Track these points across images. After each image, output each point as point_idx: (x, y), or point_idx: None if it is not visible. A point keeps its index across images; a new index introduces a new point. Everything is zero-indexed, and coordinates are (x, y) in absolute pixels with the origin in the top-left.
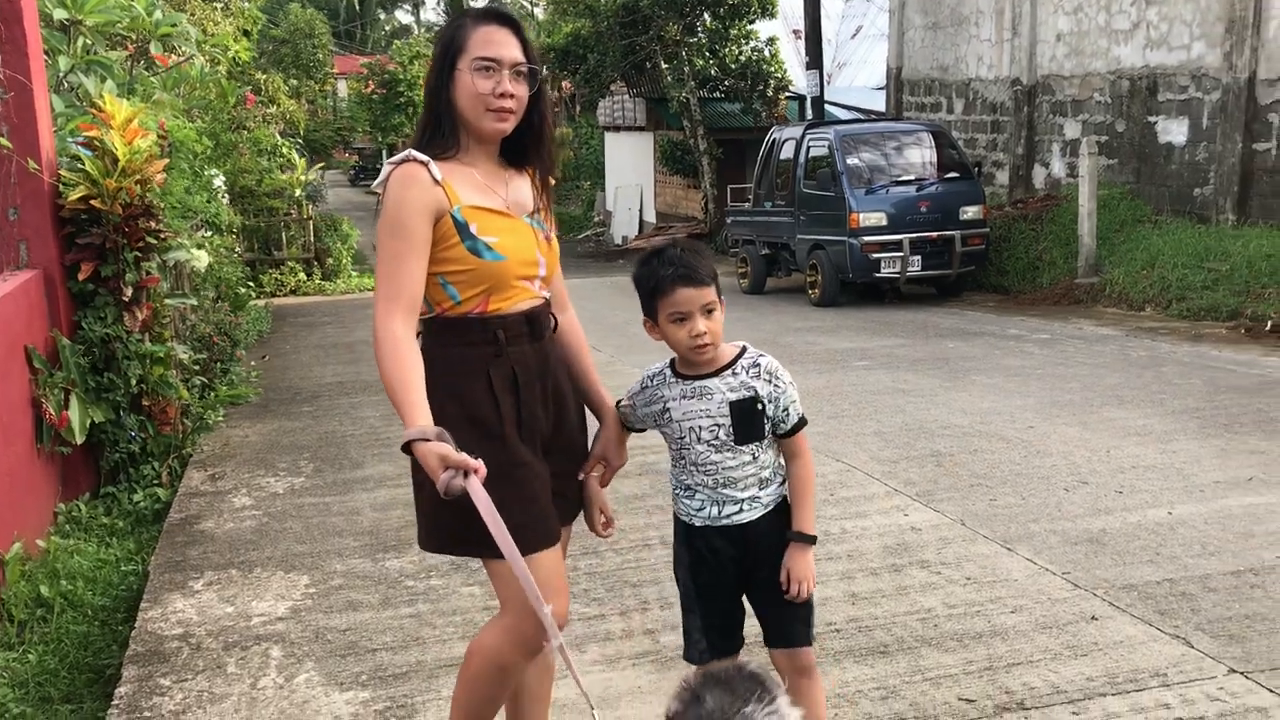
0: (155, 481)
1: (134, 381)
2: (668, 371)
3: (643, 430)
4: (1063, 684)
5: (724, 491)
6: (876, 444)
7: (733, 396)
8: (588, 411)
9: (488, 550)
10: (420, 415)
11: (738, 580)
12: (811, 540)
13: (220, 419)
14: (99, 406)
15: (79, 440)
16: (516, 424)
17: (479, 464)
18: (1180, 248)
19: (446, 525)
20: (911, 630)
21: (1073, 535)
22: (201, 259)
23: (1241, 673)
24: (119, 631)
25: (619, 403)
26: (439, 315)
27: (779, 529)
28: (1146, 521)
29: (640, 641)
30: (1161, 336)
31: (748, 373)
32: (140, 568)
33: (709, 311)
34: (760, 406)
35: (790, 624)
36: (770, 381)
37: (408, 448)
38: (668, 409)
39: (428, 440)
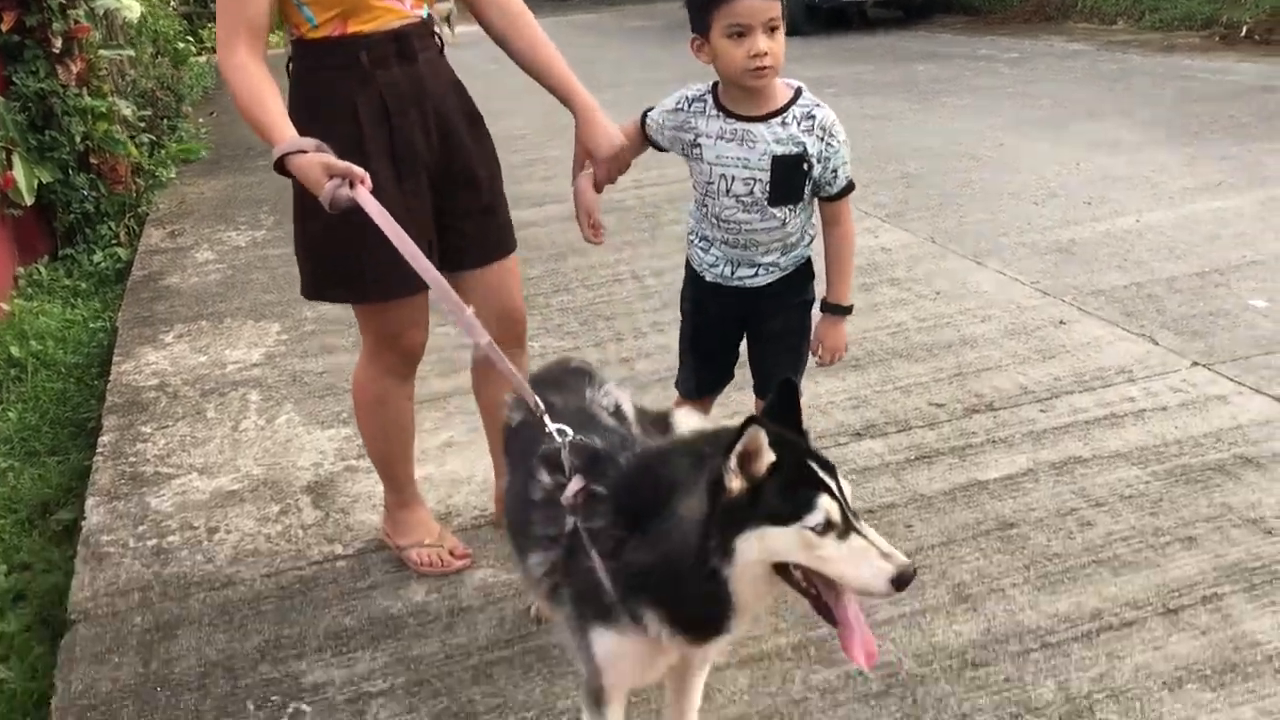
0: (114, 241)
1: (78, 139)
2: (709, 99)
3: (665, 150)
4: (1031, 385)
5: (743, 253)
6: None
7: (778, 150)
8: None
9: (366, 295)
10: (287, 128)
11: (738, 335)
12: (847, 311)
13: (173, 176)
14: (45, 166)
15: (28, 201)
16: (391, 157)
17: (364, 172)
18: None
19: (326, 266)
20: (882, 344)
21: (1042, 246)
22: (133, 8)
23: (1204, 365)
24: (94, 386)
25: (647, 111)
26: (299, 39)
27: (792, 288)
28: (1115, 230)
29: (616, 370)
30: (1134, 49)
31: (799, 124)
32: (108, 325)
33: (773, 29)
34: (806, 166)
35: (774, 376)
36: (824, 139)
37: (281, 166)
38: (699, 144)
39: (305, 152)
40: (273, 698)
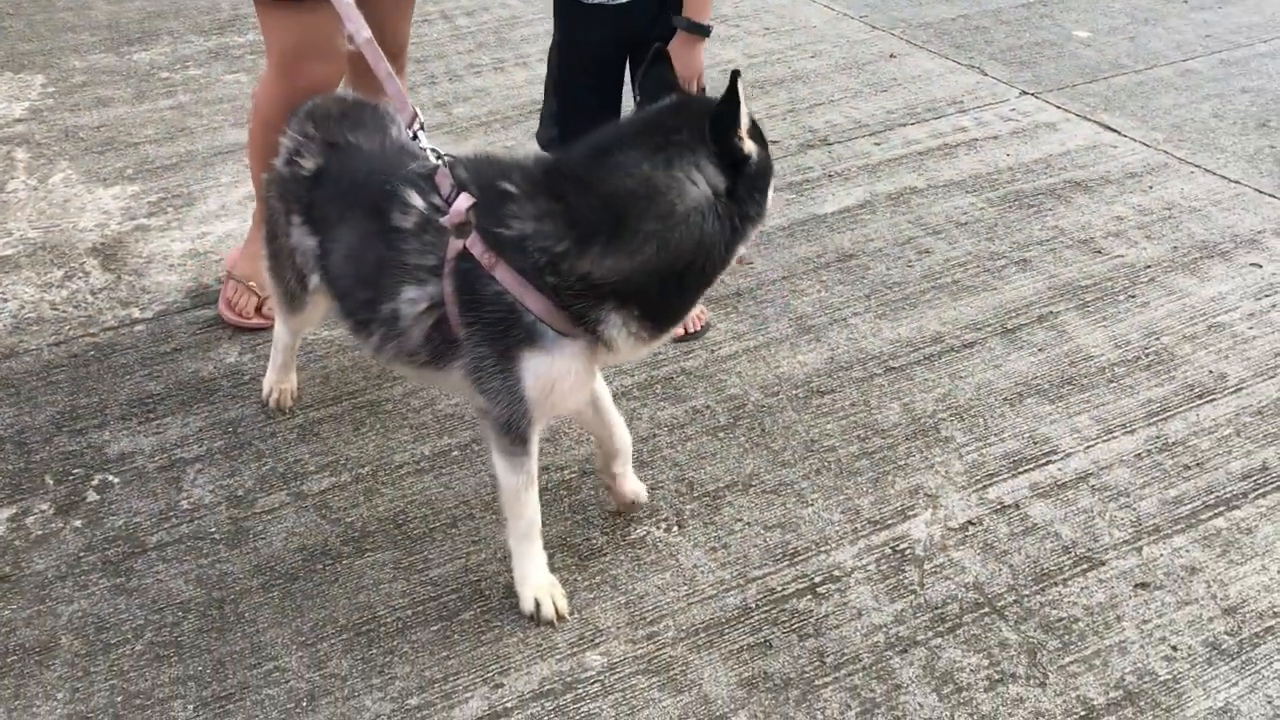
0: None
1: None
2: None
3: None
4: (864, 118)
5: None
6: None
7: None
8: None
9: None
10: None
11: (617, 71)
12: (707, 31)
13: None
14: None
15: None
16: None
17: None
18: None
19: None
20: (712, 80)
21: None
22: None
23: (1032, 94)
24: None
25: None
26: None
27: (668, 6)
28: None
29: (432, 115)
30: None
31: None
32: None
33: None
34: None
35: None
36: None
37: None
38: None
39: None
40: (74, 470)
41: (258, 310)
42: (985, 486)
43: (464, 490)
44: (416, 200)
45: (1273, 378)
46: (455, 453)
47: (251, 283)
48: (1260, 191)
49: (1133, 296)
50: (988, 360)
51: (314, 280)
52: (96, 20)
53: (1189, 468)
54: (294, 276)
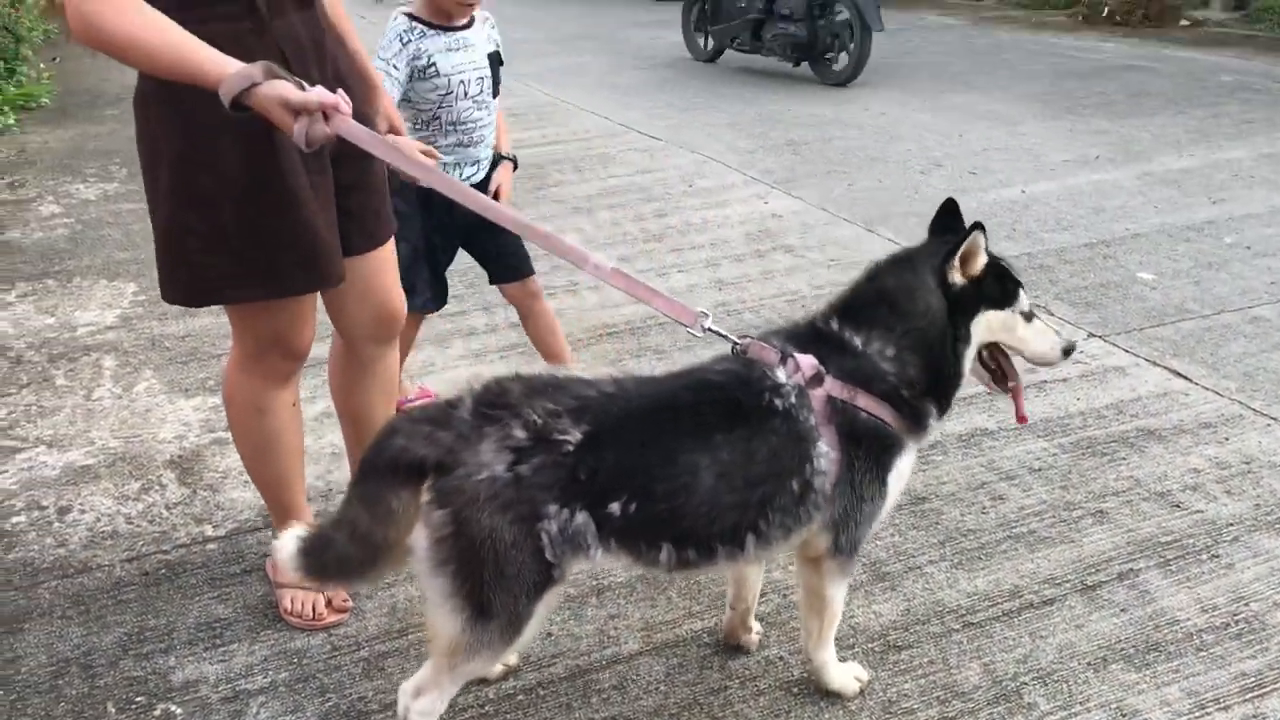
0: None
1: None
2: (419, 25)
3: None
4: None
5: (470, 151)
6: (731, 134)
7: (489, 48)
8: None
9: (285, 288)
10: (222, 60)
11: (460, 239)
12: (514, 160)
13: (12, 124)
14: None
15: None
16: None
17: (337, 97)
18: None
19: (235, 260)
20: (779, 311)
21: (931, 215)
22: None
23: (1100, 336)
24: None
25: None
26: None
27: (488, 175)
28: (1001, 200)
29: (506, 335)
30: (1003, 25)
31: (486, 24)
32: None
33: None
34: (502, 60)
35: (516, 257)
36: (497, 32)
37: (239, 104)
38: (434, 63)
39: (257, 84)
40: (137, 698)
41: (329, 604)
42: None
43: None
44: (780, 375)
45: None
46: (520, 696)
47: (307, 583)
48: None
49: (1216, 556)
50: (1069, 619)
51: (574, 560)
52: None
53: None
54: (523, 594)
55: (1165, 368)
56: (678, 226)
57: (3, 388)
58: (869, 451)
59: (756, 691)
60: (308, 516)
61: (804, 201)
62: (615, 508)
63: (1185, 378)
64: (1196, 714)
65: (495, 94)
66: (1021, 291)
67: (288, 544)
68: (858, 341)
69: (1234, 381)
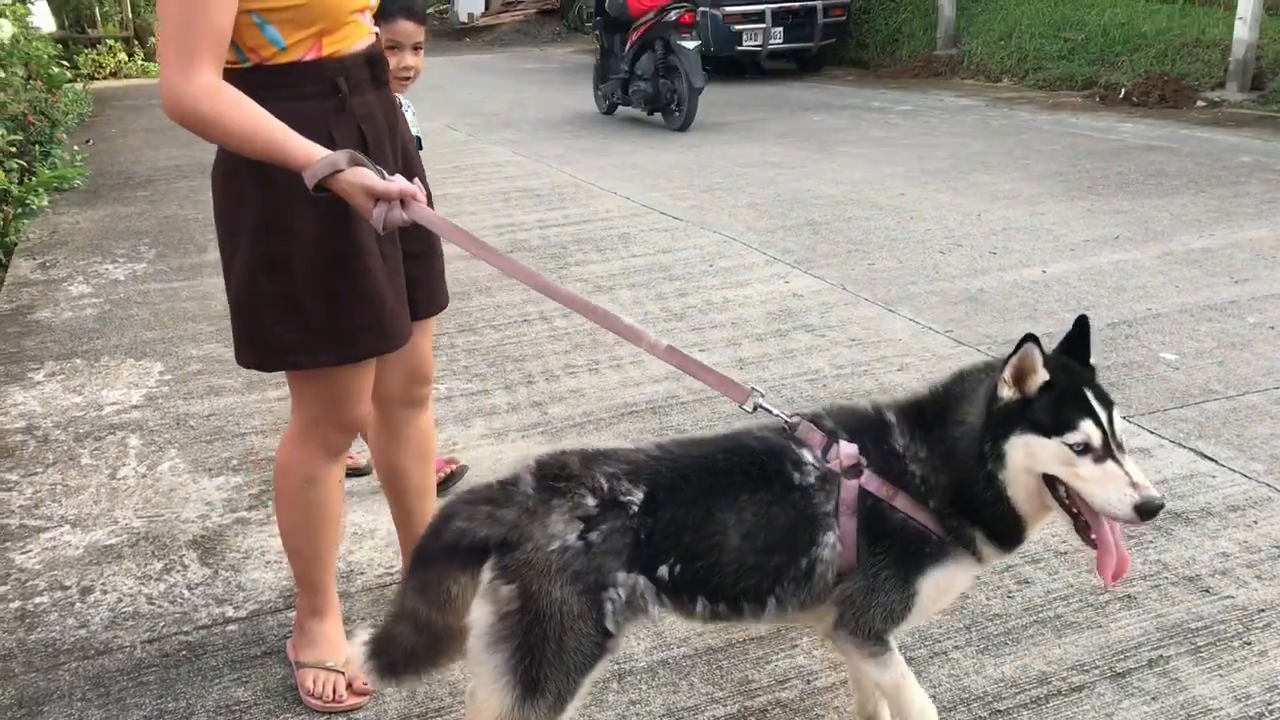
0: None
1: None
2: None
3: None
4: None
5: None
6: (751, 215)
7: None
8: None
9: (357, 352)
10: (309, 146)
11: None
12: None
13: (45, 205)
14: None
15: None
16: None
17: (415, 188)
18: (1037, 18)
19: (307, 326)
20: (801, 390)
21: (952, 295)
22: (4, 28)
23: (1124, 418)
24: None
25: None
26: (258, 65)
27: None
28: (1022, 280)
29: (528, 414)
30: (1020, 106)
31: (408, 111)
32: None
33: (417, 49)
34: (422, 146)
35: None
36: (417, 120)
37: (321, 187)
38: None
39: (341, 170)
40: None
41: (349, 688)
42: None
43: None
44: (809, 457)
45: None
46: None
47: (329, 663)
48: None
49: (1248, 644)
50: (1098, 707)
51: (630, 624)
52: (215, 310)
53: None
54: (577, 668)
55: (1191, 449)
56: (699, 306)
57: (30, 466)
58: (898, 552)
59: None
60: (334, 595)
61: (824, 281)
62: (664, 570)
63: (1212, 459)
64: None
65: None
66: (1087, 423)
67: (358, 651)
68: (901, 440)
69: (1261, 464)
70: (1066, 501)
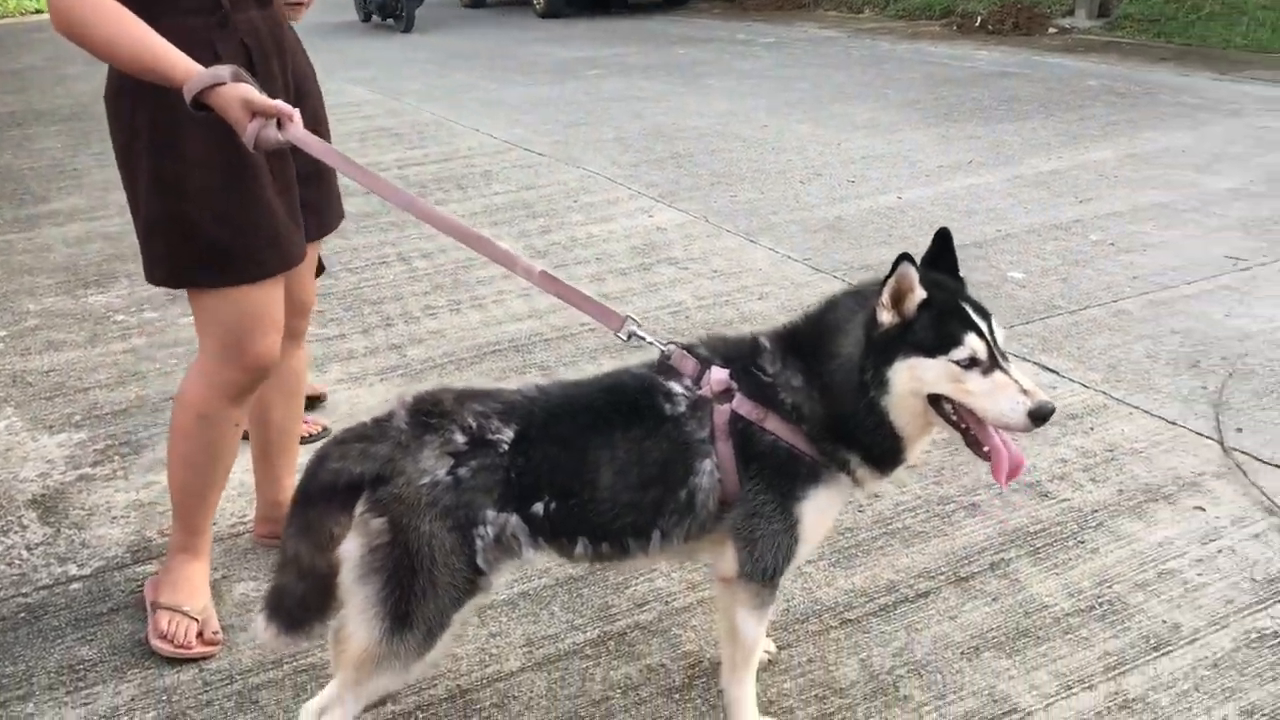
0: None
1: None
2: None
3: None
4: None
5: None
6: (616, 149)
7: None
8: None
9: (248, 273)
10: (191, 62)
11: None
12: None
13: None
14: None
15: None
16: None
17: (293, 109)
18: None
19: (198, 245)
20: (664, 324)
21: (811, 224)
22: None
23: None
24: None
25: None
26: None
27: None
28: (879, 207)
29: (386, 357)
30: (881, 36)
31: None
32: None
33: None
34: None
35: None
36: None
37: (200, 103)
38: None
39: (223, 83)
40: None
41: (199, 636)
42: None
43: None
44: (678, 387)
45: (1224, 628)
46: (419, 714)
47: (185, 608)
48: (1199, 434)
49: (1082, 542)
50: (943, 611)
51: (503, 564)
52: (54, 263)
53: None
54: (448, 603)
55: (1034, 362)
56: (563, 242)
57: None
58: (772, 474)
59: (638, 700)
60: (208, 541)
61: (688, 214)
62: (539, 507)
63: (1054, 371)
64: (1063, 695)
65: None
66: (971, 337)
67: (258, 622)
68: (772, 366)
69: (1098, 373)
70: (954, 418)
